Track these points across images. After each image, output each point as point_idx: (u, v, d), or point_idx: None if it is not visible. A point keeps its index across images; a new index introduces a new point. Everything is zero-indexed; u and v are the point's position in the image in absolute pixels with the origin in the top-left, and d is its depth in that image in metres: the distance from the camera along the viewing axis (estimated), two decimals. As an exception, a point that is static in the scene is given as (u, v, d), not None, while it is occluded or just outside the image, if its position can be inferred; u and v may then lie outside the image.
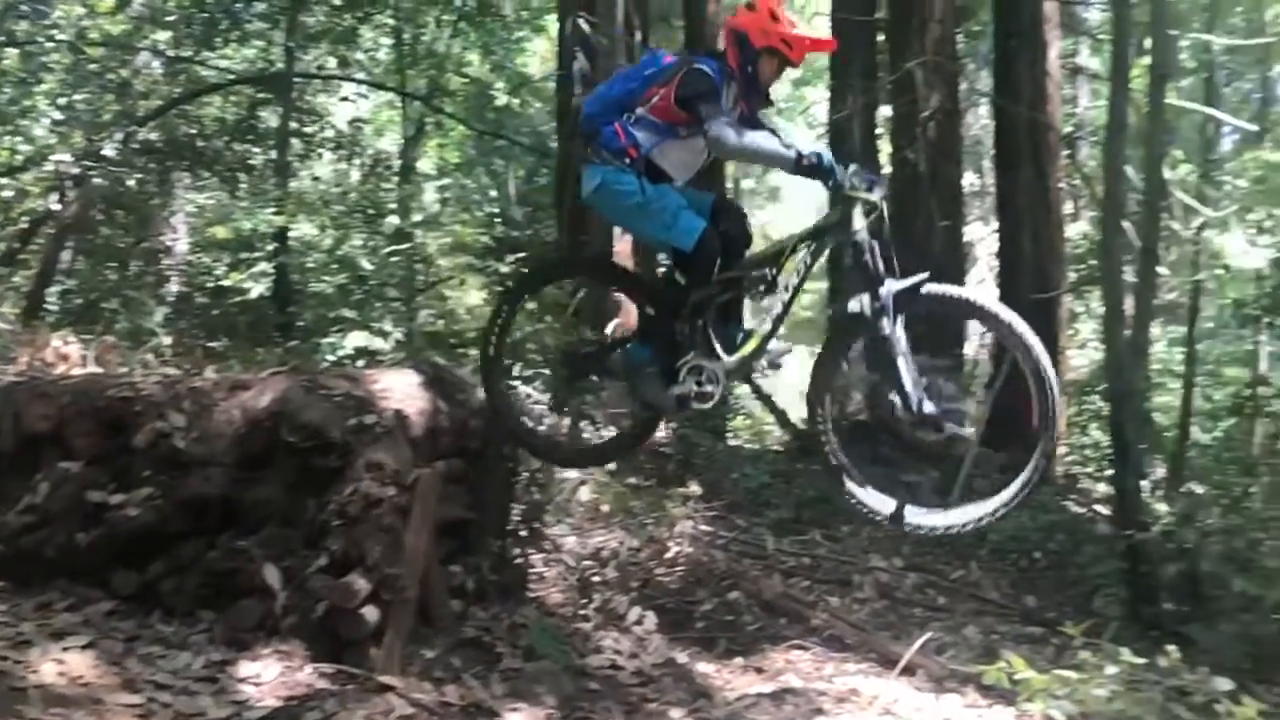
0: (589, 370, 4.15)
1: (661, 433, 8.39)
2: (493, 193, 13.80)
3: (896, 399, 3.41)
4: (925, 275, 3.46)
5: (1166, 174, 9.93)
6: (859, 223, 3.45)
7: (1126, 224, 7.38)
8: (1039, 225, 9.59)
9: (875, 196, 3.48)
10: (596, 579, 5.13)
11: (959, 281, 9.91)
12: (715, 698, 4.39)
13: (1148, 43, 8.25)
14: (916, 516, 3.59)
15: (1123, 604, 6.27)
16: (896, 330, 3.40)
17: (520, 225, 11.80)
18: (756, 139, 3.54)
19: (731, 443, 10.36)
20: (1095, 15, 13.72)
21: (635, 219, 3.74)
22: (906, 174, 9.37)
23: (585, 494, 5.16)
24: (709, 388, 3.65)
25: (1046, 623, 5.89)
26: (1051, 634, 4.82)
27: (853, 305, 3.47)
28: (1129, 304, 7.54)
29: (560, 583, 5.21)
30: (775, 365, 3.79)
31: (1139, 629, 6.24)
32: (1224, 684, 3.96)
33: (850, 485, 3.68)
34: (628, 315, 9.05)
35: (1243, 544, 6.34)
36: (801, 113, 16.94)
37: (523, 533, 4.88)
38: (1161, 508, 7.47)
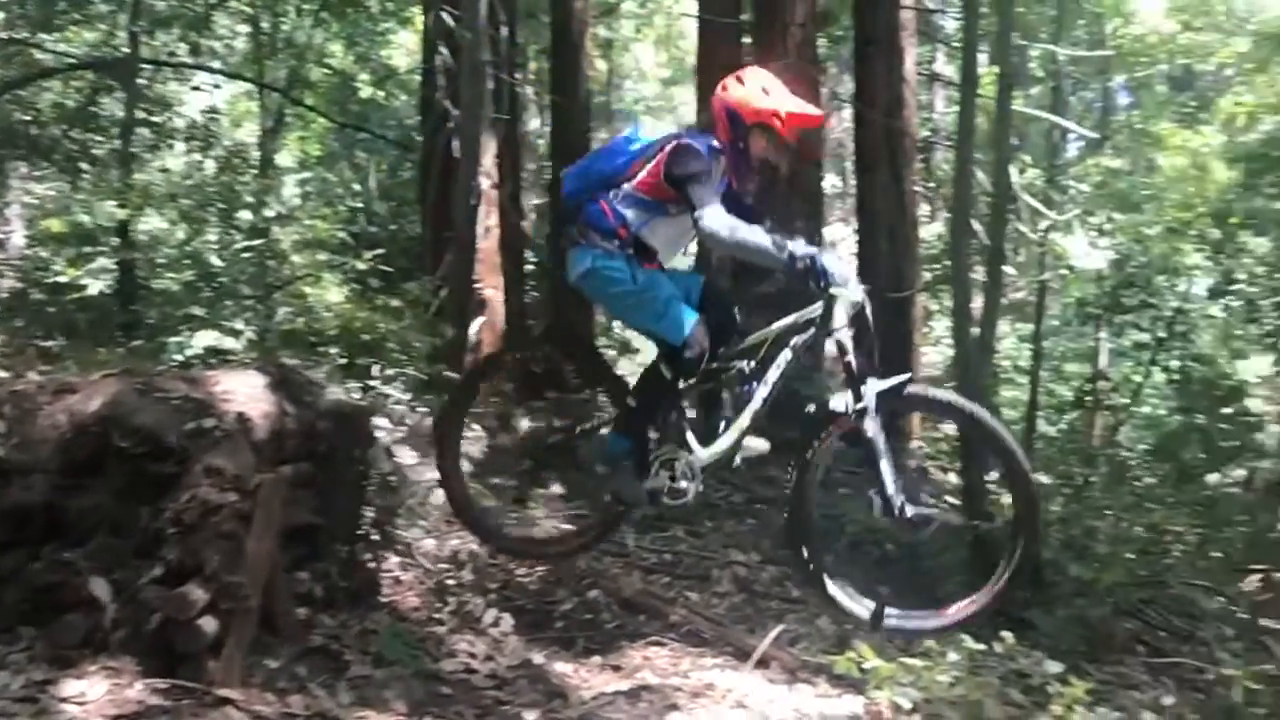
0: (555, 461, 3.98)
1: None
2: (356, 187, 13.49)
3: (877, 500, 3.46)
4: (908, 376, 3.53)
5: (1015, 178, 10.39)
6: (841, 319, 3.47)
7: (976, 225, 7.68)
8: (895, 226, 9.89)
9: (859, 295, 3.48)
10: (453, 582, 5.05)
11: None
12: (571, 697, 4.37)
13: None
14: (896, 619, 3.58)
15: (969, 592, 6.50)
16: (878, 431, 3.38)
17: (383, 220, 11.56)
18: (750, 236, 3.43)
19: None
20: (951, 23, 14.26)
21: (625, 307, 3.64)
22: (767, 174, 9.52)
23: (440, 496, 5.06)
24: (683, 483, 3.58)
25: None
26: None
27: (835, 403, 3.50)
28: (978, 302, 7.86)
29: (416, 587, 5.11)
30: (748, 460, 3.74)
31: (985, 616, 6.51)
32: (1054, 666, 4.15)
33: (830, 588, 3.68)
34: (493, 312, 8.99)
35: (1079, 532, 6.66)
36: (669, 112, 17.10)
37: (374, 537, 4.76)
38: (1008, 499, 7.79)
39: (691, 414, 3.89)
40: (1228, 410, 10.94)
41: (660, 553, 6.29)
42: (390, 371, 7.84)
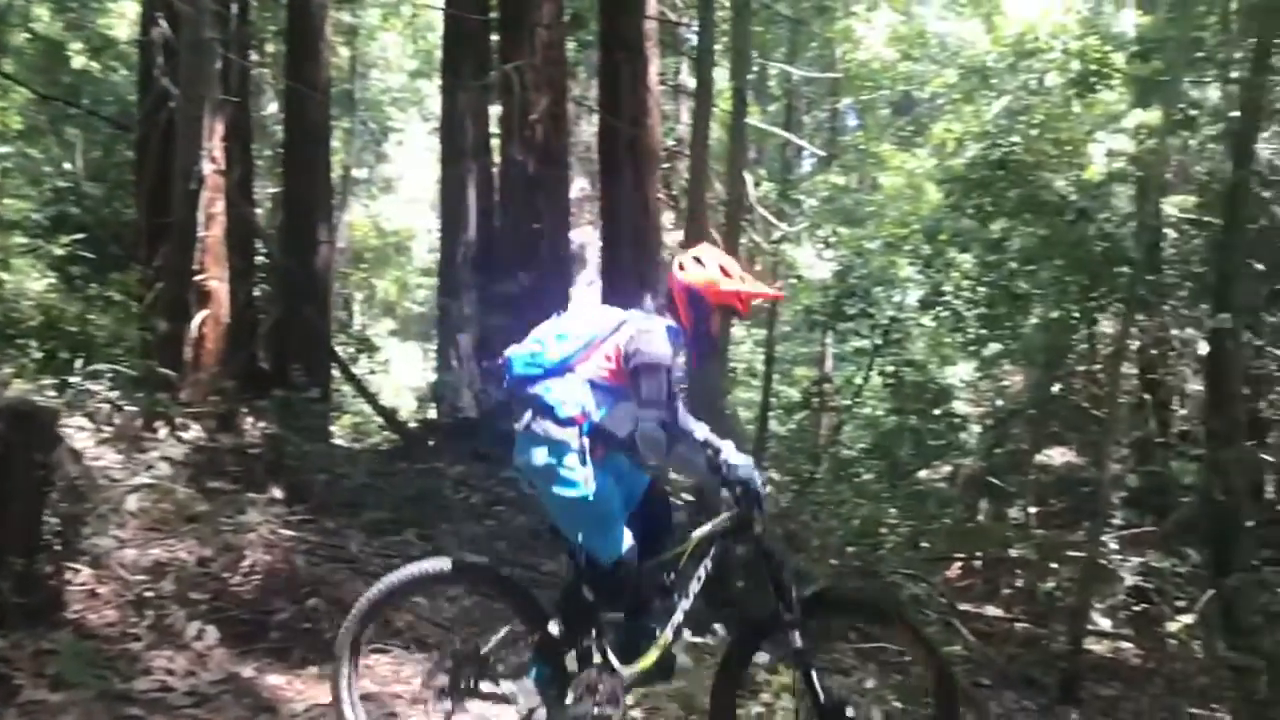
0: (473, 688, 3.51)
1: (252, 433, 7.90)
2: (66, 166, 12.33)
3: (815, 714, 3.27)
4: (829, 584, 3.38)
5: (751, 190, 10.89)
6: (760, 528, 3.35)
7: (714, 234, 7.96)
8: (639, 233, 10.10)
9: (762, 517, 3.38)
10: (153, 594, 4.66)
11: (566, 282, 10.23)
12: (281, 711, 4.14)
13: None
14: None
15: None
16: (808, 642, 3.30)
17: (95, 204, 10.61)
18: (685, 454, 3.33)
19: (336, 441, 10.00)
20: (696, 36, 14.76)
21: (567, 513, 3.33)
22: (514, 175, 9.49)
23: (134, 503, 4.68)
24: (608, 709, 3.27)
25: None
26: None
27: (758, 613, 3.37)
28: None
29: (113, 600, 4.68)
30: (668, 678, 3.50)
31: (709, 609, 6.74)
32: (762, 657, 4.32)
33: None
34: (217, 305, 8.43)
35: (798, 526, 7.02)
36: (415, 104, 16.73)
37: (58, 548, 4.32)
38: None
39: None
40: (936, 412, 11.92)
41: (389, 557, 6.09)
42: (99, 366, 7.21)
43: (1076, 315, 10.96)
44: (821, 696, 3.25)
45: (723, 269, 3.43)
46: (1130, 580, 9.73)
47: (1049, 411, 11.82)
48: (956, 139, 11.47)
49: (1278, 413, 11.36)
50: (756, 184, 11.25)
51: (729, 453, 3.35)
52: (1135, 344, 11.86)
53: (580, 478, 3.23)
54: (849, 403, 12.23)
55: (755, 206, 10.63)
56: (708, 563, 3.38)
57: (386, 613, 3.99)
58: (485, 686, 3.44)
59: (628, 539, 3.32)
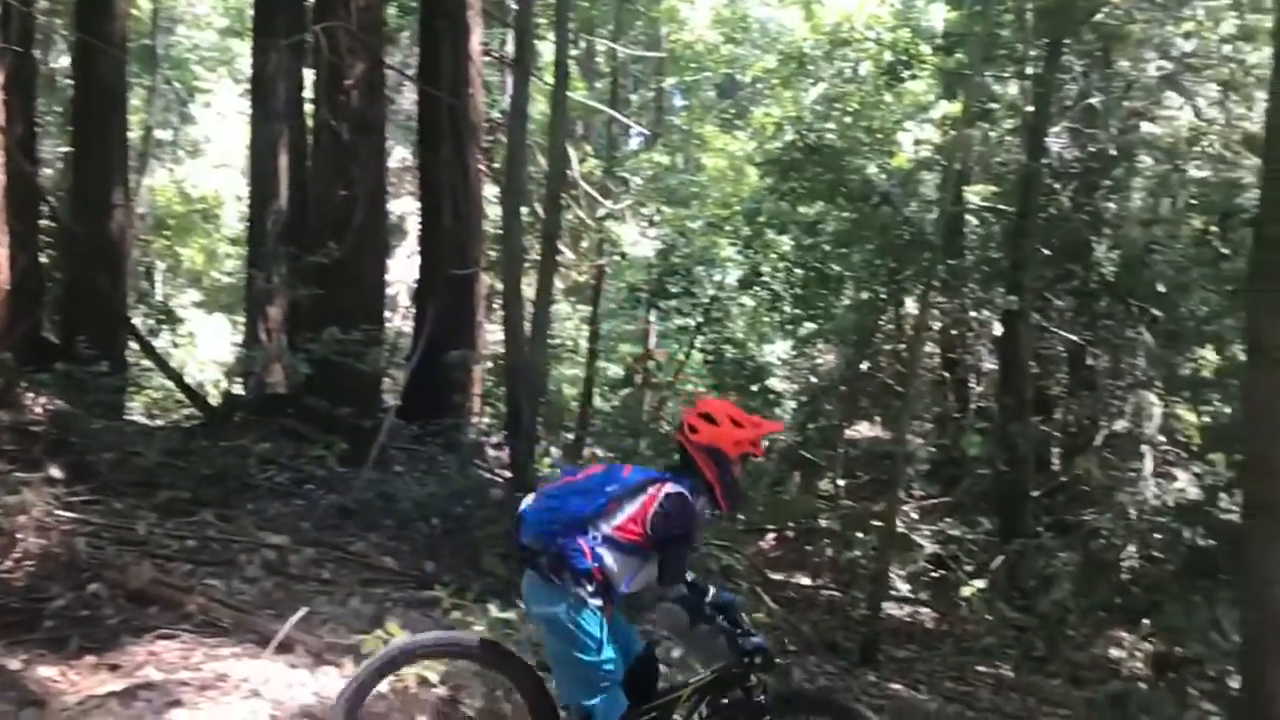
0: None
1: (34, 409, 7.36)
2: None
3: None
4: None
5: (575, 166, 10.86)
6: (755, 680, 3.38)
7: (538, 207, 7.91)
8: (458, 203, 9.91)
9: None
10: (-95, 584, 4.28)
11: (383, 254, 9.94)
12: (51, 704, 3.87)
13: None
14: None
15: (513, 562, 6.68)
16: None
17: None
18: (704, 632, 3.31)
19: (133, 417, 9.43)
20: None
21: (572, 669, 3.26)
22: (328, 141, 9.12)
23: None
24: None
25: (444, 586, 6.07)
26: (449, 597, 4.94)
27: None
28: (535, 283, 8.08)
29: None
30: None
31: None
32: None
33: None
34: (-6, 273, 7.75)
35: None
36: (225, 64, 15.89)
37: None
38: (554, 470, 8.10)
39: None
40: (754, 388, 12.24)
41: (182, 538, 5.79)
42: None
43: (884, 297, 11.46)
44: None
45: (732, 419, 3.44)
46: (930, 548, 10.31)
47: (858, 388, 12.34)
48: (775, 123, 11.76)
49: (1063, 390, 12.21)
50: (581, 160, 11.23)
51: (745, 629, 3.42)
52: (937, 325, 12.52)
53: (595, 643, 3.23)
54: (672, 379, 12.42)
55: (579, 182, 10.61)
56: (702, 709, 3.43)
57: (400, 669, 3.92)
58: None
59: (622, 705, 3.32)
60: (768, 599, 6.85)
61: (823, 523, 11.19)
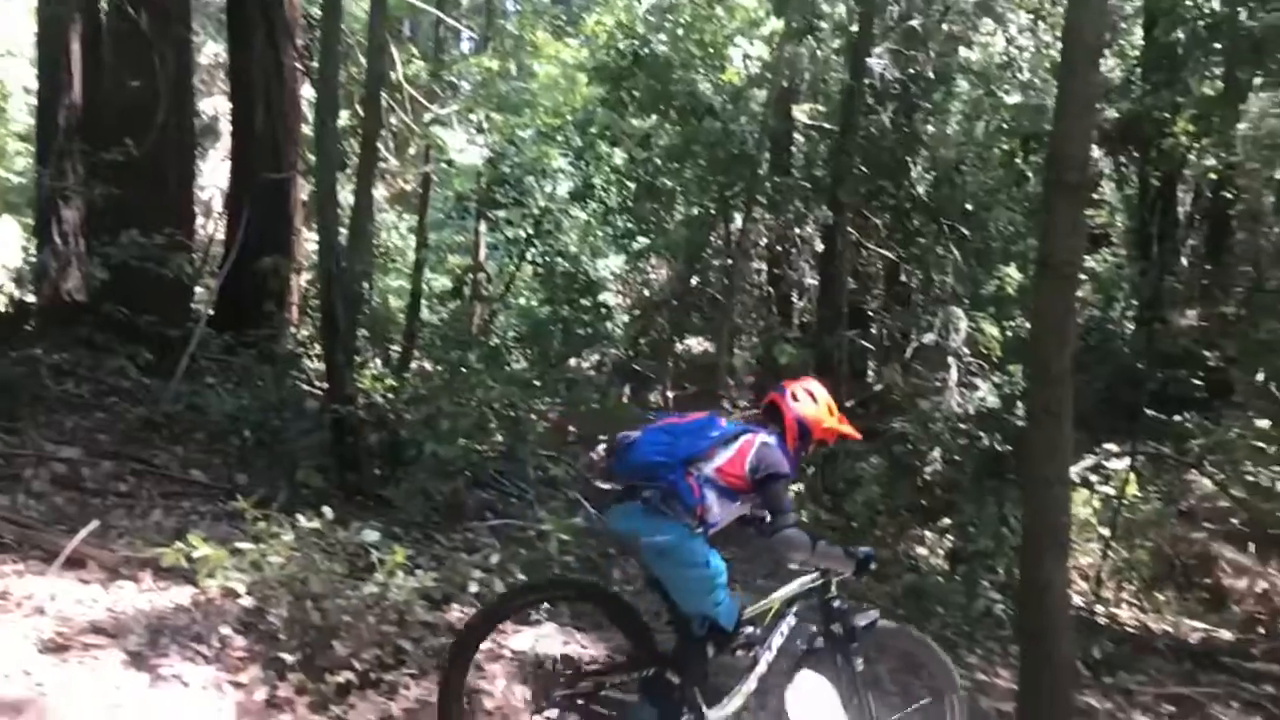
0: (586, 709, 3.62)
1: None
2: None
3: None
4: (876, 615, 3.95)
5: (398, 68, 10.42)
6: (834, 590, 3.84)
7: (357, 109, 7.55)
8: (273, 103, 9.40)
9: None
10: None
11: (189, 154, 9.36)
12: None
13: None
14: None
15: (330, 474, 6.54)
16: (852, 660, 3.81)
17: None
18: (824, 548, 3.71)
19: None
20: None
21: (691, 587, 3.57)
22: (126, 30, 8.44)
23: None
24: None
25: (247, 496, 5.89)
26: (256, 509, 4.79)
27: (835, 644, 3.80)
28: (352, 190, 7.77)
29: None
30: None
31: (345, 496, 6.61)
32: (371, 535, 4.29)
33: None
34: None
35: (437, 411, 6.98)
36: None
37: None
38: (377, 382, 7.93)
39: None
40: (586, 302, 12.27)
41: (-40, 455, 5.41)
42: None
43: (714, 212, 11.60)
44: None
45: (829, 407, 3.88)
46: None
47: (688, 303, 12.55)
48: (607, 31, 11.59)
49: (880, 304, 12.74)
50: (406, 62, 10.77)
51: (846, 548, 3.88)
52: (763, 241, 12.80)
53: (704, 559, 3.53)
54: (502, 292, 12.29)
55: (403, 85, 10.19)
56: (791, 618, 3.83)
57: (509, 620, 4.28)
58: (597, 709, 3.64)
59: (736, 604, 3.66)
60: (586, 505, 6.95)
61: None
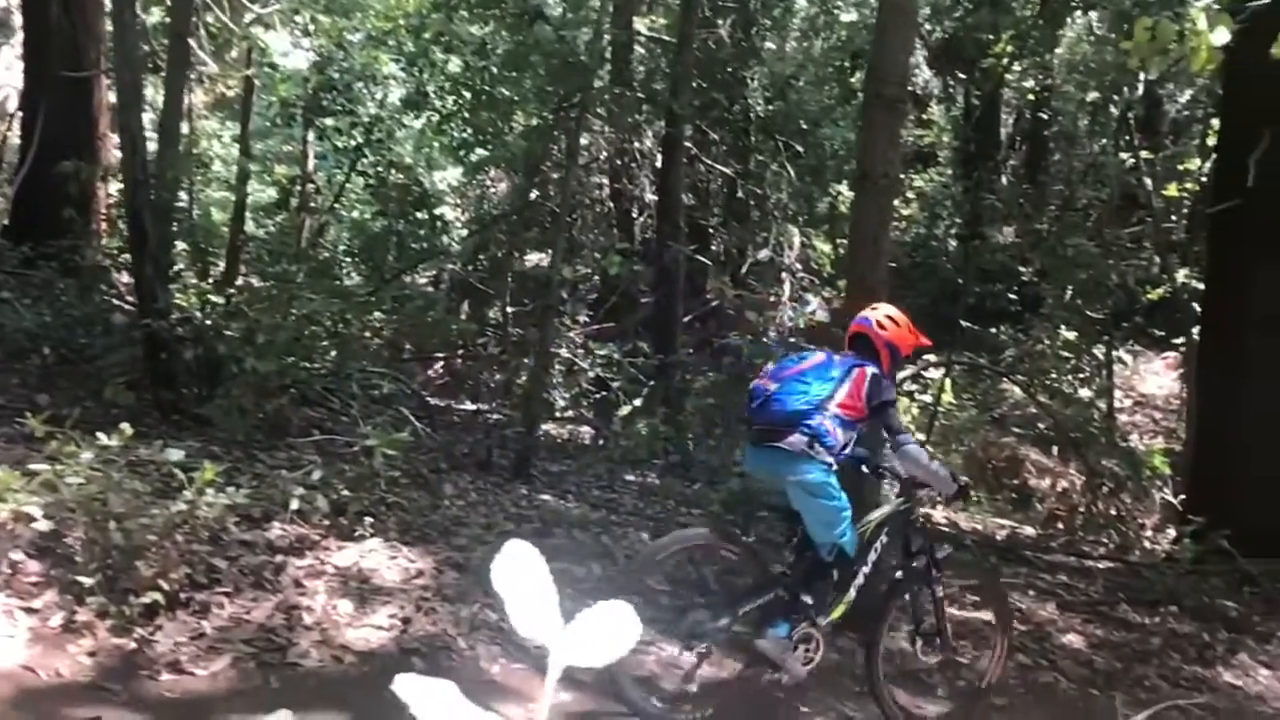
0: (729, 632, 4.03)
1: None
2: None
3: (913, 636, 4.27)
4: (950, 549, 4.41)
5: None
6: (918, 510, 4.37)
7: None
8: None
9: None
10: None
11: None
12: None
13: None
14: None
15: (143, 392, 6.23)
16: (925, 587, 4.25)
17: None
18: (937, 466, 4.22)
19: None
20: None
21: (827, 519, 3.96)
22: None
23: None
24: (815, 653, 4.04)
25: (57, 420, 5.56)
26: (41, 425, 4.50)
27: (914, 566, 4.23)
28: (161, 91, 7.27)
29: None
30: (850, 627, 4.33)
31: (160, 414, 6.31)
32: (175, 453, 4.11)
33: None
34: None
35: (257, 325, 6.70)
36: None
37: None
38: (195, 297, 7.55)
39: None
40: (421, 215, 11.94)
41: None
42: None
43: (553, 123, 11.40)
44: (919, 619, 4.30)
45: (909, 327, 4.29)
46: (592, 371, 10.74)
47: (528, 217, 12.36)
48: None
49: (719, 221, 12.90)
50: (223, -44, 10.07)
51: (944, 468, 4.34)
52: (604, 154, 12.70)
53: (838, 494, 3.97)
54: (331, 204, 11.84)
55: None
56: (883, 538, 4.21)
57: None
58: (739, 630, 4.02)
59: (854, 533, 4.08)
60: (415, 421, 6.85)
61: (492, 350, 11.33)
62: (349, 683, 3.80)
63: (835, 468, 3.96)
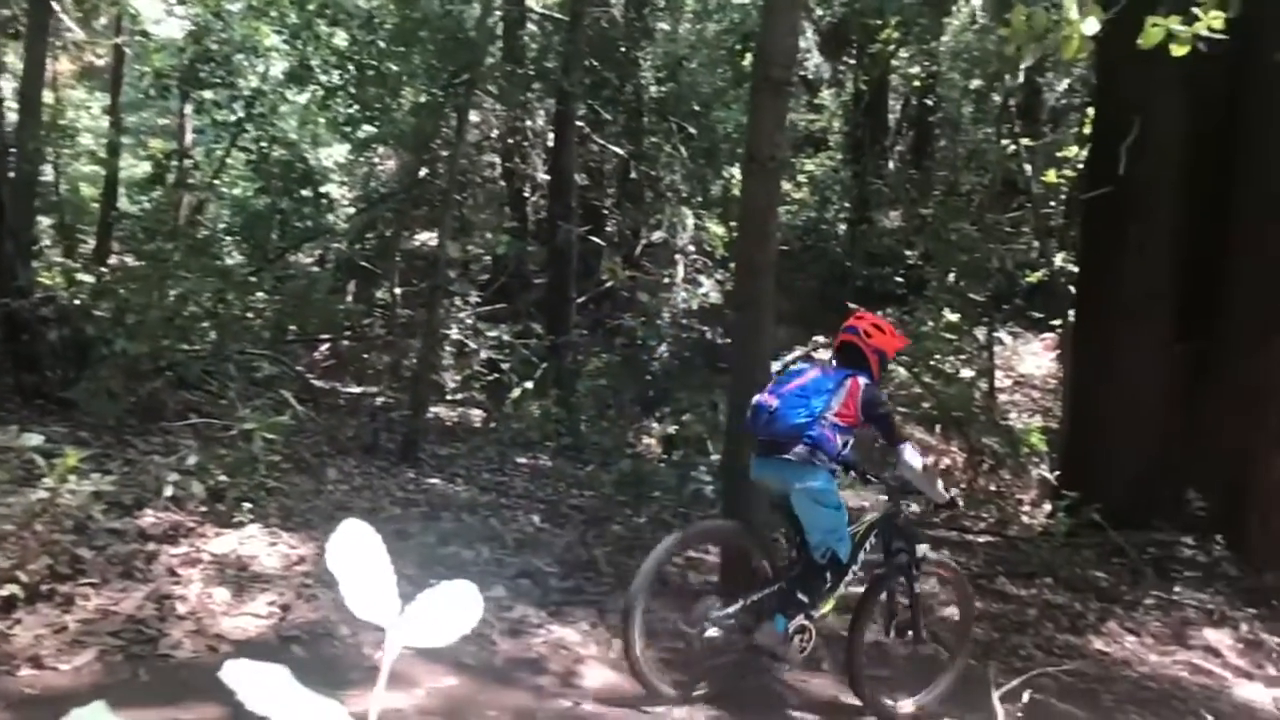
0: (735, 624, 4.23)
1: None
2: None
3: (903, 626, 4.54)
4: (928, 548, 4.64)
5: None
6: (903, 514, 4.56)
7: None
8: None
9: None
10: None
11: None
12: None
13: None
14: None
15: (2, 375, 5.92)
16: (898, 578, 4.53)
17: None
18: (931, 472, 4.49)
19: None
20: None
21: (823, 521, 4.20)
22: None
23: None
24: (809, 643, 4.28)
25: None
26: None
27: (895, 564, 4.49)
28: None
29: None
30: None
31: (22, 399, 6.00)
32: (34, 440, 3.91)
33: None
34: None
35: (126, 305, 6.42)
36: None
37: None
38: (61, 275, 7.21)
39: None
40: (306, 192, 11.60)
41: None
42: None
43: (443, 100, 11.18)
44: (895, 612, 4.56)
45: (892, 332, 4.55)
46: (485, 353, 10.62)
47: (418, 196, 12.13)
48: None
49: (612, 202, 12.85)
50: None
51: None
52: (495, 132, 12.54)
53: (838, 500, 4.25)
54: (210, 180, 11.40)
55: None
56: (872, 538, 4.47)
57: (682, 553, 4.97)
58: (744, 620, 4.21)
59: (849, 538, 4.33)
60: (298, 404, 6.67)
61: (379, 331, 11.10)
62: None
63: (837, 476, 4.32)
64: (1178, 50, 4.03)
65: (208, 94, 10.56)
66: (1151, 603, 6.18)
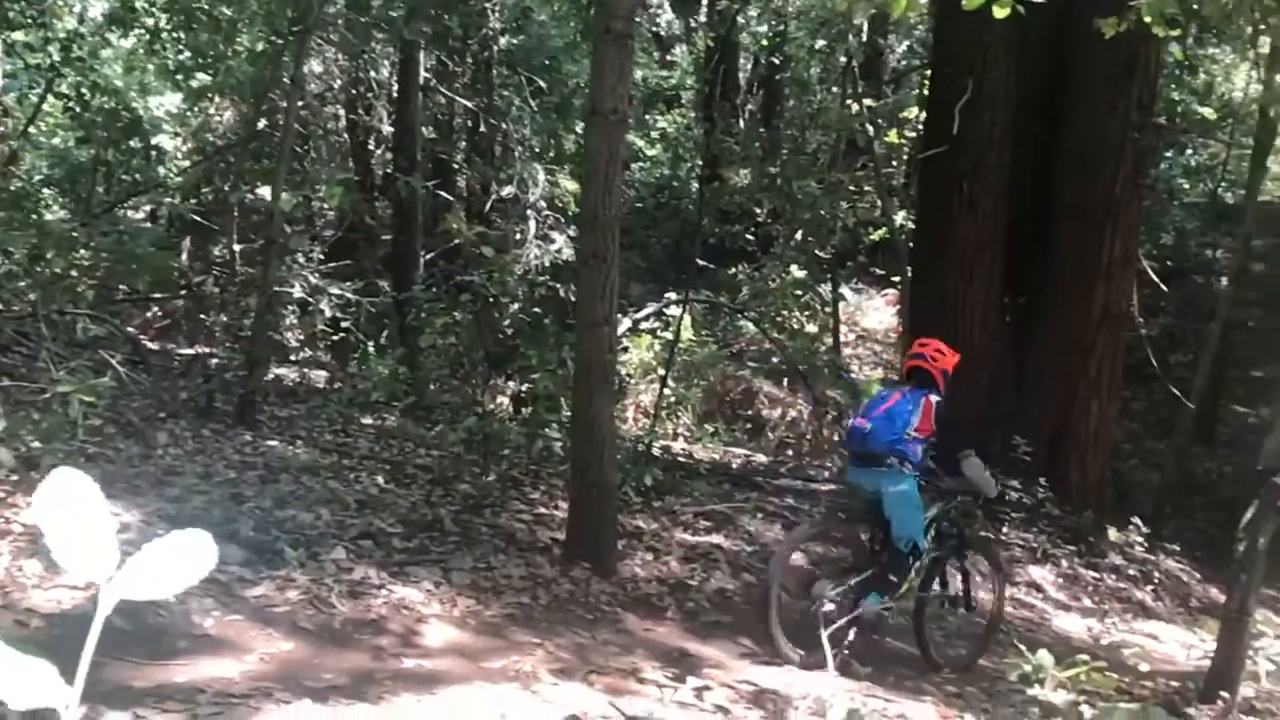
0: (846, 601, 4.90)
1: None
2: None
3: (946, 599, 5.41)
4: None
5: None
6: (955, 511, 5.40)
7: None
8: None
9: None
10: None
11: None
12: None
13: None
14: None
15: None
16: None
17: None
18: (989, 476, 5.14)
19: None
20: None
21: (908, 517, 4.95)
22: None
23: None
24: (893, 614, 5.08)
25: None
26: None
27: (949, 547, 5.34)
28: None
29: None
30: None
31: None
32: None
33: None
34: None
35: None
36: None
37: None
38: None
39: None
40: (133, 143, 10.94)
41: None
42: None
43: (280, 48, 10.69)
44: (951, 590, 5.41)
45: (950, 351, 5.18)
46: (328, 312, 10.30)
47: (256, 149, 11.60)
48: None
49: (463, 156, 12.59)
50: None
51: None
52: (338, 83, 12.09)
53: (919, 501, 4.97)
54: (23, 128, 10.63)
55: None
56: (933, 530, 5.17)
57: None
58: (844, 597, 4.89)
59: (924, 529, 5.08)
60: (120, 367, 6.33)
61: (215, 289, 10.62)
62: (33, 648, 3.47)
63: (919, 480, 5.03)
64: (999, 11, 4.18)
65: (18, 35, 9.80)
66: (979, 542, 6.49)
